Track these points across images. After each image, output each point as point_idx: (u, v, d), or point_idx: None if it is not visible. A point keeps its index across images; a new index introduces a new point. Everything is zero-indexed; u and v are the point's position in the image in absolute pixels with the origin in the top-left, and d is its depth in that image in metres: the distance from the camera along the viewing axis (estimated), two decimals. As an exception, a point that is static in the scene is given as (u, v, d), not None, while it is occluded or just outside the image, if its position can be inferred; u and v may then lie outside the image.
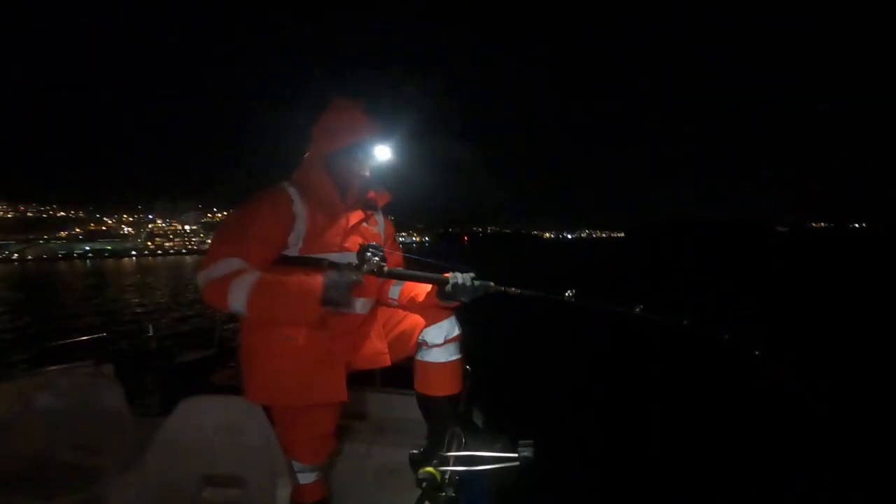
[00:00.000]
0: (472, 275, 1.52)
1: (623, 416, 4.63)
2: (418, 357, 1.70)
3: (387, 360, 1.65)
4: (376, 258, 1.38)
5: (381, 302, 1.75)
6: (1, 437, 1.77)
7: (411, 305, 1.71)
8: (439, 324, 1.65)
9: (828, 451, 3.65)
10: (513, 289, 1.51)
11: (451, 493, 1.16)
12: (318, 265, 1.46)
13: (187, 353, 2.76)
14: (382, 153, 1.67)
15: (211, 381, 2.44)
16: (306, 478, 1.64)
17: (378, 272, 1.39)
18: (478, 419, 2.06)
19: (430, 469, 1.19)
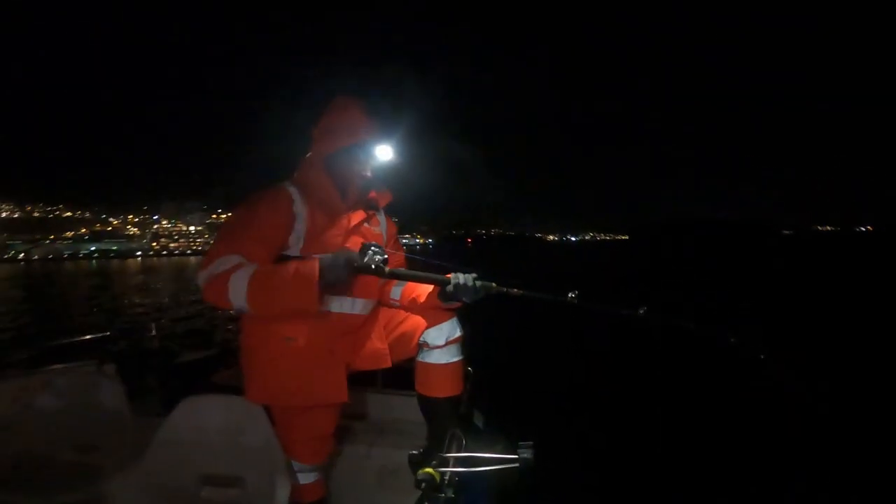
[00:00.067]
0: (474, 275, 1.51)
1: (624, 417, 4.61)
2: (419, 358, 1.69)
3: (387, 361, 1.64)
4: (378, 257, 1.37)
5: (382, 302, 1.75)
6: (1, 437, 1.77)
7: (413, 306, 1.70)
8: (440, 325, 1.65)
9: (828, 451, 3.62)
10: (515, 290, 1.49)
11: (451, 494, 1.15)
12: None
13: (189, 352, 2.76)
14: (383, 153, 1.66)
15: (213, 381, 2.45)
16: (306, 478, 1.63)
17: (379, 272, 1.38)
18: (479, 421, 2.04)
19: (429, 470, 1.18)
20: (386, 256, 1.39)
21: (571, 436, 3.95)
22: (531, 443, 1.17)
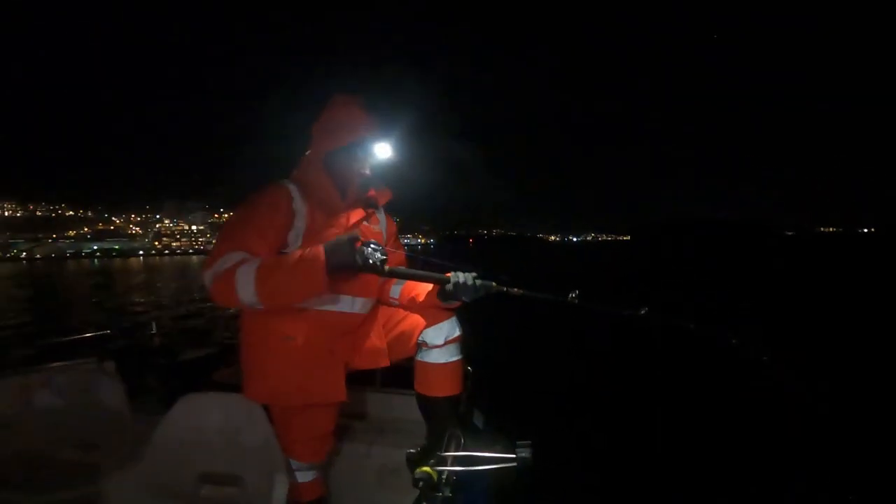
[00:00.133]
0: (473, 274, 1.50)
1: (624, 418, 4.61)
2: (418, 358, 1.69)
3: (386, 361, 1.64)
4: (377, 255, 1.37)
5: (381, 301, 1.74)
6: (1, 434, 1.78)
7: (412, 305, 1.69)
8: (439, 325, 1.64)
9: (828, 451, 3.62)
10: (515, 289, 1.49)
11: (448, 494, 1.15)
12: None
13: (190, 350, 2.76)
14: (383, 151, 1.65)
15: (213, 379, 2.45)
16: (304, 476, 1.63)
17: (379, 270, 1.37)
18: (478, 420, 2.04)
19: (426, 469, 1.18)
20: (385, 256, 1.38)
21: (571, 436, 3.95)
22: (529, 442, 1.17)
